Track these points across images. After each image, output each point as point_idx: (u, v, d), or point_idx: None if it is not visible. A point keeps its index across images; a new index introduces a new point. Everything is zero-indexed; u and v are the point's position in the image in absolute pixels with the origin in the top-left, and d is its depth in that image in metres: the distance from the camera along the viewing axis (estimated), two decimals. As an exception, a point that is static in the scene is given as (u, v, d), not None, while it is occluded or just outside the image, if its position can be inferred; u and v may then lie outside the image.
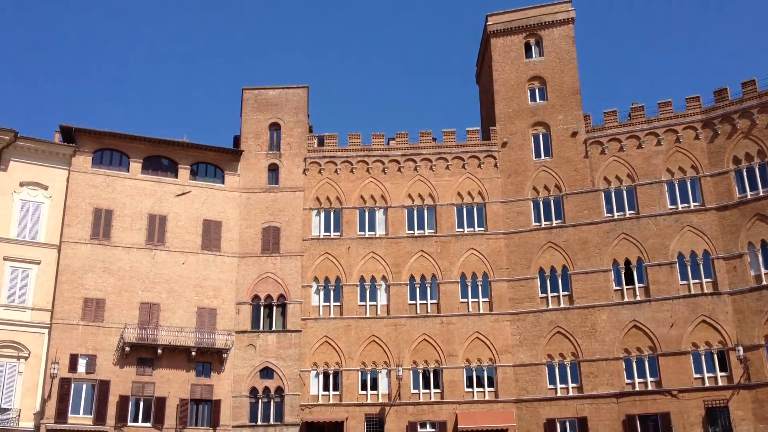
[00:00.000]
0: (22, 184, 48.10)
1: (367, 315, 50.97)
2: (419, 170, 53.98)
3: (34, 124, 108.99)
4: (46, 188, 48.76)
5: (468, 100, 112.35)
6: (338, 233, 52.93)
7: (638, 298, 48.59)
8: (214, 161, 53.60)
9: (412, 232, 52.81)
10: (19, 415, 44.36)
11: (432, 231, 52.71)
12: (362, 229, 53.11)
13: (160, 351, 47.66)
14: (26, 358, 45.58)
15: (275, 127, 55.20)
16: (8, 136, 47.43)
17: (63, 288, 47.43)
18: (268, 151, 54.65)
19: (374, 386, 49.53)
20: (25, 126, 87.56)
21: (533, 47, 56.08)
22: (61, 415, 44.97)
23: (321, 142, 55.36)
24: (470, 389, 49.20)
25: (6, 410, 44.23)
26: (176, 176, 52.34)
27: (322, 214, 53.51)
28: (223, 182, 53.49)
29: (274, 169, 54.28)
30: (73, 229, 48.79)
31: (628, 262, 49.45)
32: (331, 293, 51.64)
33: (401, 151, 54.49)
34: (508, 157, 53.88)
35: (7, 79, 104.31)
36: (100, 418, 45.73)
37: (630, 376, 47.52)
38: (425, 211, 53.31)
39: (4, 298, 45.97)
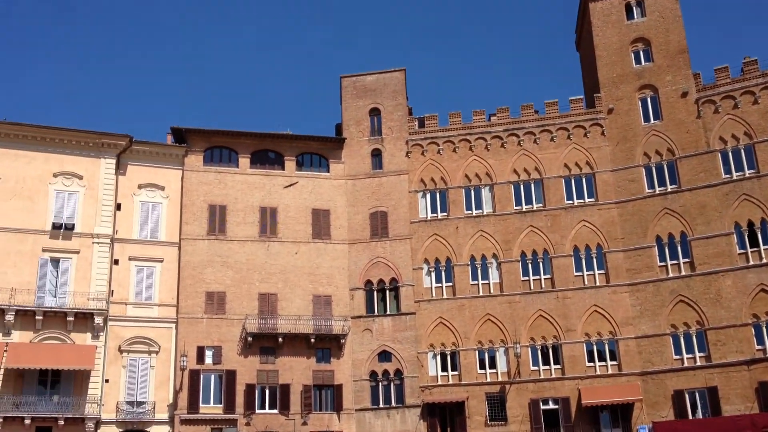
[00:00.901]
0: (140, 186, 50.55)
1: (480, 294, 51.14)
2: (523, 144, 53.55)
3: (145, 128, 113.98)
4: (162, 189, 51.06)
5: (569, 69, 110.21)
6: (445, 214, 53.22)
7: (765, 261, 46.82)
8: (318, 151, 54.76)
9: (519, 207, 52.53)
10: (154, 408, 46.86)
11: (540, 205, 52.28)
12: (469, 207, 53.22)
13: (280, 339, 49.30)
14: (157, 353, 48.05)
15: (375, 113, 55.87)
16: (124, 141, 49.90)
17: (186, 283, 49.65)
18: (370, 136, 55.40)
19: (492, 365, 49.73)
20: (137, 130, 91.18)
21: (634, 8, 54.52)
22: (192, 406, 47.23)
23: (422, 124, 55.68)
24: (592, 364, 48.72)
25: (142, 403, 46.83)
26: (283, 168, 53.80)
27: (428, 196, 53.89)
28: (328, 171, 54.61)
29: (377, 154, 55.01)
30: (191, 226, 50.94)
31: (751, 224, 47.67)
32: (443, 274, 52.04)
33: (503, 127, 54.17)
34: (615, 123, 52.75)
35: (118, 86, 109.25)
36: (229, 406, 47.77)
37: (761, 342, 45.93)
38: (532, 185, 52.91)
39: (132, 296, 48.54)
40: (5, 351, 44.12)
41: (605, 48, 54.42)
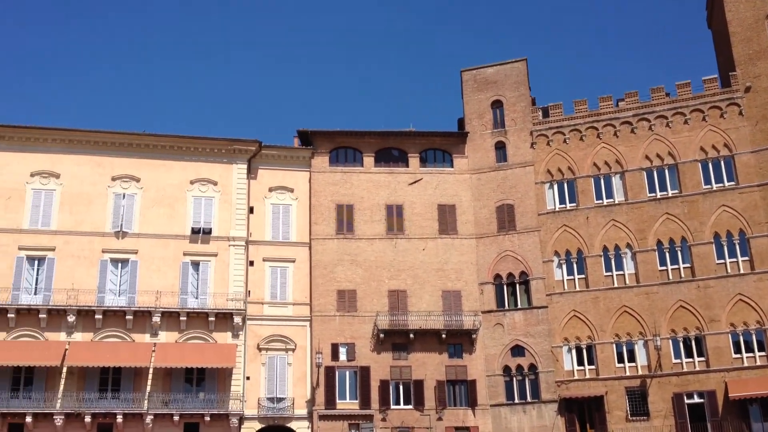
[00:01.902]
0: (270, 189, 52.65)
1: (615, 285, 50.16)
2: (654, 129, 52.09)
3: (271, 132, 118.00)
4: (291, 191, 52.97)
5: (700, 49, 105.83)
6: (574, 204, 52.51)
7: None
8: (441, 146, 55.26)
9: (653, 194, 51.13)
10: (293, 403, 48.70)
11: (676, 191, 50.71)
12: (599, 197, 52.29)
13: (411, 336, 50.10)
14: (293, 350, 49.89)
15: (497, 105, 55.79)
16: (254, 146, 52.09)
17: (317, 282, 51.29)
18: (493, 129, 55.37)
19: (631, 358, 48.68)
20: (264, 135, 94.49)
21: (769, -21, 51.98)
22: (330, 402, 48.74)
23: (546, 114, 55.15)
24: (738, 355, 46.89)
25: (281, 399, 48.76)
26: (407, 165, 54.62)
27: (555, 187, 53.33)
28: (452, 166, 55.00)
29: (501, 147, 54.92)
30: (320, 226, 52.56)
31: None
32: (574, 266, 51.37)
33: (632, 112, 52.88)
34: (753, 102, 50.50)
35: (246, 91, 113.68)
36: (365, 402, 48.98)
37: None
38: (666, 171, 51.39)
39: (267, 296, 50.63)
40: (153, 351, 46.97)
41: (739, 24, 52.17)
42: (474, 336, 50.57)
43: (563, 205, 52.72)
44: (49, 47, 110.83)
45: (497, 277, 52.21)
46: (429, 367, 50.04)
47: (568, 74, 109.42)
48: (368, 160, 54.49)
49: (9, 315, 46.35)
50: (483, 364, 50.44)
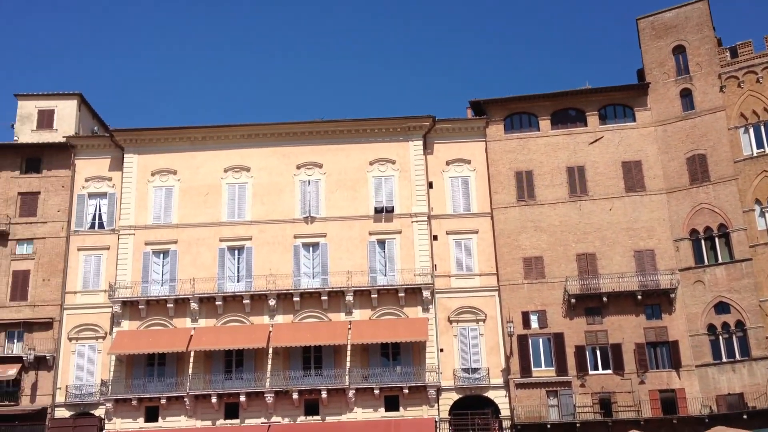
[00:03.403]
0: (448, 163, 53.70)
1: (829, 230, 46.67)
2: None
3: (443, 106, 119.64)
4: (468, 162, 53.72)
5: None
6: (774, 147, 49.33)
7: None
8: (620, 101, 53.73)
9: None
10: (488, 373, 49.59)
11: None
12: (803, 136, 48.77)
13: (605, 299, 49.36)
14: (483, 321, 50.75)
15: (679, 50, 53.35)
16: (428, 122, 53.32)
17: (502, 251, 51.76)
18: (676, 77, 53.05)
19: None
20: (436, 109, 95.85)
21: None
22: (525, 370, 49.17)
23: (734, 54, 52.03)
24: None
25: (476, 369, 49.81)
26: (586, 125, 53.64)
27: (751, 130, 50.31)
28: (634, 120, 53.35)
29: (686, 95, 52.54)
30: (500, 195, 52.93)
31: None
32: (780, 213, 48.37)
33: (835, 39, 48.74)
34: None
35: (415, 67, 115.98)
36: (561, 369, 48.95)
37: None
38: None
39: (454, 269, 51.80)
40: (349, 329, 49.59)
41: None
42: (672, 295, 48.99)
43: (762, 149, 49.69)
44: (226, 42, 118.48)
45: (693, 231, 50.15)
46: (626, 329, 49.10)
47: (756, 8, 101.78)
48: (544, 123, 54.06)
49: (217, 302, 50.67)
50: (684, 324, 48.77)
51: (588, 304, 49.77)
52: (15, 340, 51.48)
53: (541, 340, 49.93)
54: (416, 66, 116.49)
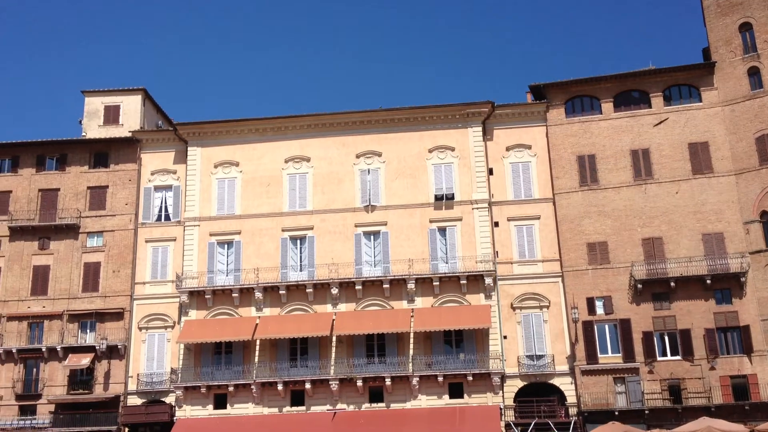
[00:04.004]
0: (508, 149, 53.47)
1: None
2: None
3: (501, 91, 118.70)
4: (529, 147, 53.38)
5: None
6: None
7: None
8: (685, 81, 52.65)
9: None
10: (553, 360, 49.35)
11: None
12: None
13: (672, 284, 48.61)
14: (547, 307, 50.48)
15: (746, 28, 52.02)
16: (487, 107, 53.15)
17: (565, 237, 51.35)
18: (743, 55, 51.74)
19: None
20: (494, 94, 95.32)
21: None
22: (591, 356, 48.78)
23: (804, 29, 50.47)
24: None
25: (541, 356, 49.61)
26: (650, 106, 52.73)
27: (825, 108, 48.81)
28: (700, 100, 52.24)
29: (754, 73, 51.23)
30: (562, 180, 52.48)
31: None
32: None
33: None
34: None
35: (473, 53, 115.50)
36: (628, 355, 48.41)
37: None
38: None
39: (516, 255, 51.62)
40: (411, 316, 49.88)
41: None
42: (743, 279, 47.97)
43: (836, 127, 48.16)
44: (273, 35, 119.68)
45: (764, 213, 48.95)
46: (694, 315, 48.28)
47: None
48: (607, 106, 53.32)
49: (280, 292, 51.53)
50: (756, 309, 47.72)
51: (655, 289, 49.07)
52: (88, 330, 53.36)
53: (607, 327, 49.43)
54: (474, 52, 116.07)
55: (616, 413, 46.27)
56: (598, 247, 50.73)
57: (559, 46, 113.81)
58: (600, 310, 49.68)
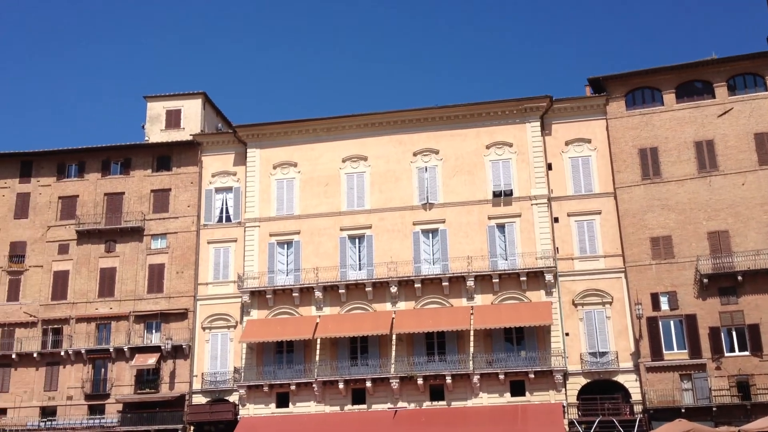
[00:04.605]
0: (567, 143, 52.97)
1: None
2: None
3: (559, 86, 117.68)
4: (589, 141, 52.79)
5: None
6: None
7: None
8: (750, 70, 51.39)
9: None
10: (617, 357, 48.70)
11: None
12: None
13: (740, 278, 47.52)
14: (610, 303, 49.85)
15: (814, 12, 50.60)
16: (545, 102, 52.77)
17: (627, 232, 50.62)
18: (812, 40, 50.30)
19: None
20: (552, 88, 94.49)
21: None
22: (656, 353, 47.99)
23: None
24: None
25: (604, 353, 49.02)
26: (713, 96, 51.62)
27: None
28: (766, 89, 50.95)
29: (823, 59, 49.77)
30: (623, 174, 51.76)
31: None
32: None
33: None
34: None
35: (529, 47, 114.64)
36: (694, 351, 47.48)
37: None
38: None
39: (576, 251, 51.13)
40: (471, 314, 49.84)
41: None
42: (814, 272, 46.65)
43: None
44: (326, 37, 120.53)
45: (836, 204, 47.51)
46: (764, 309, 47.12)
47: None
48: (668, 97, 52.39)
49: (340, 291, 52.05)
50: (831, 303, 46.34)
51: (722, 283, 48.05)
52: (153, 331, 54.75)
53: (672, 322, 48.59)
54: (531, 46, 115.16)
55: (683, 410, 45.42)
56: (662, 241, 49.89)
57: (617, 38, 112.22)
58: (665, 305, 48.85)
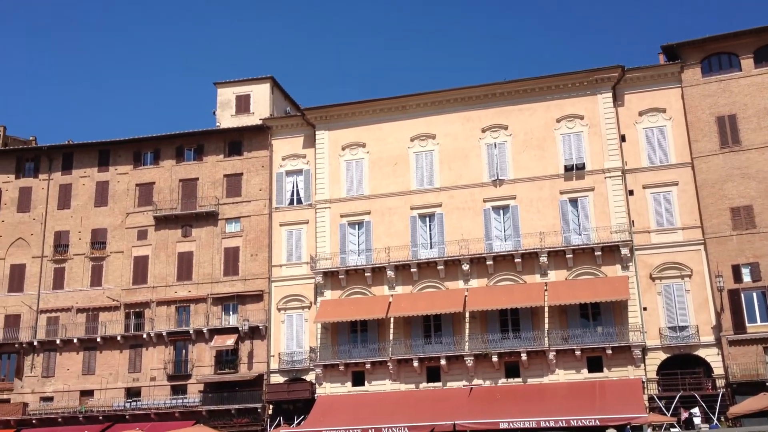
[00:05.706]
0: (641, 114, 51.93)
1: None
2: None
3: (630, 55, 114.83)
4: (663, 111, 51.63)
5: None
6: None
7: None
8: (835, 29, 49.39)
9: None
10: (697, 331, 47.78)
11: None
12: None
13: (827, 247, 45.99)
14: (689, 276, 48.86)
15: None
16: (617, 72, 51.76)
17: (706, 202, 49.45)
18: None
19: None
20: (624, 57, 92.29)
21: None
22: (738, 326, 46.89)
23: None
24: None
25: (684, 327, 48.15)
26: (795, 59, 49.87)
27: None
28: None
29: None
30: (701, 143, 50.49)
31: None
32: None
33: None
34: None
35: (599, 17, 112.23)
36: (780, 324, 46.30)
37: None
38: None
39: (653, 224, 50.22)
40: (545, 290, 49.56)
41: None
42: None
43: None
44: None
45: None
46: None
47: None
48: (746, 62, 50.75)
49: (411, 270, 52.41)
50: None
51: (810, 253, 46.57)
52: (231, 313, 56.23)
53: (755, 294, 47.38)
54: (601, 15, 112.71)
55: (767, 384, 44.35)
56: (743, 211, 48.60)
57: (690, 3, 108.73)
58: (747, 277, 47.67)
